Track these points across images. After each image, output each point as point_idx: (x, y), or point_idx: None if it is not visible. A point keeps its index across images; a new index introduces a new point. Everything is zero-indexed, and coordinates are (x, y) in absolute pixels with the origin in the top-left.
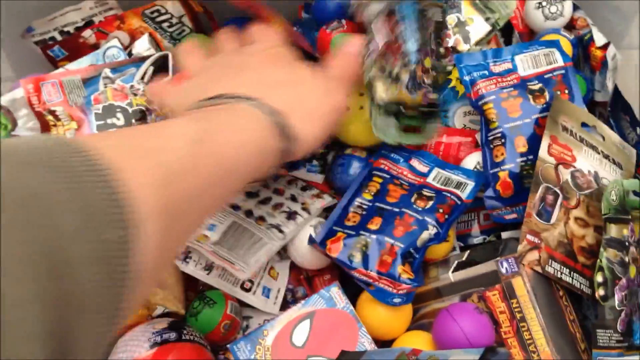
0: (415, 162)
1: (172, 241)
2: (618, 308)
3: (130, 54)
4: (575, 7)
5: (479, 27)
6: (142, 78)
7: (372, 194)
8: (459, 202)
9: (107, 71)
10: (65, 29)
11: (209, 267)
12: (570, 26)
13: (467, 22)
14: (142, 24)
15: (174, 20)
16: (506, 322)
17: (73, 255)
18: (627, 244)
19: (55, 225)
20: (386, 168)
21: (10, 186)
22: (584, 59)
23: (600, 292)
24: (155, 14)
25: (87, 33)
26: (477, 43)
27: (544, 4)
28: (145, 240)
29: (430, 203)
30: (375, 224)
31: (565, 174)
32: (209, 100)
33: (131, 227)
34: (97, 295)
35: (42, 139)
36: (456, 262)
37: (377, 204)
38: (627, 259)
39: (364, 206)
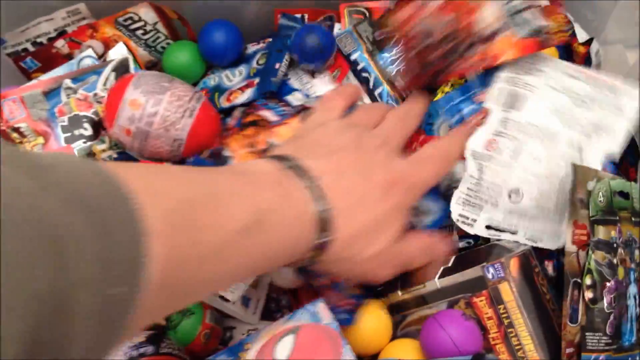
0: None
1: (171, 306)
2: (607, 311)
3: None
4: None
5: None
6: (105, 84)
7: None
8: None
9: (67, 82)
10: (38, 40)
11: None
12: None
13: None
14: (116, 32)
15: (148, 28)
16: (494, 328)
17: (74, 303)
18: (615, 245)
19: (67, 269)
20: None
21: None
22: (567, 55)
23: (589, 294)
24: (129, 22)
25: (60, 43)
26: None
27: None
28: (145, 302)
29: None
30: None
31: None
32: (276, 159)
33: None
34: (86, 342)
35: (88, 172)
36: (442, 268)
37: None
38: (615, 261)
39: None
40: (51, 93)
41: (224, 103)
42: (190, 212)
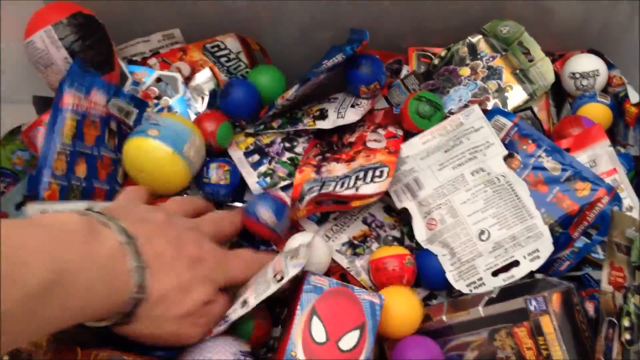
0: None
1: None
2: None
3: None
4: (611, 66)
5: (517, 95)
6: None
7: (71, 133)
8: None
9: None
10: (134, 58)
11: None
12: (606, 84)
13: (507, 89)
14: (203, 57)
15: (232, 56)
16: (532, 359)
17: None
18: None
19: None
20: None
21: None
22: (619, 115)
23: (626, 336)
24: (215, 49)
25: (152, 61)
26: (515, 109)
27: (577, 76)
28: None
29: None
30: (81, 169)
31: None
32: (88, 214)
33: None
34: None
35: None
36: (487, 297)
37: (77, 148)
38: None
39: (67, 151)
40: None
41: (278, 100)
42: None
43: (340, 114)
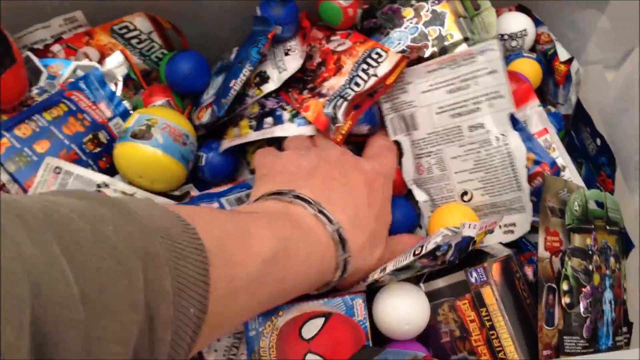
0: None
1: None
2: (583, 315)
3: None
4: (539, 23)
5: (456, 45)
6: None
7: (54, 115)
8: None
9: None
10: (35, 46)
11: None
12: (534, 42)
13: (447, 38)
14: (111, 40)
15: (143, 37)
16: (476, 331)
17: (156, 313)
18: (590, 252)
19: (153, 283)
20: (76, 100)
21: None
22: (548, 73)
23: (566, 300)
24: (124, 30)
25: (56, 48)
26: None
27: (505, 37)
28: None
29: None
30: (42, 146)
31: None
32: (276, 195)
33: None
34: (165, 347)
35: (157, 209)
36: (426, 273)
37: (51, 125)
38: (591, 267)
39: (39, 123)
40: None
41: (195, 120)
42: (227, 247)
43: (280, 68)
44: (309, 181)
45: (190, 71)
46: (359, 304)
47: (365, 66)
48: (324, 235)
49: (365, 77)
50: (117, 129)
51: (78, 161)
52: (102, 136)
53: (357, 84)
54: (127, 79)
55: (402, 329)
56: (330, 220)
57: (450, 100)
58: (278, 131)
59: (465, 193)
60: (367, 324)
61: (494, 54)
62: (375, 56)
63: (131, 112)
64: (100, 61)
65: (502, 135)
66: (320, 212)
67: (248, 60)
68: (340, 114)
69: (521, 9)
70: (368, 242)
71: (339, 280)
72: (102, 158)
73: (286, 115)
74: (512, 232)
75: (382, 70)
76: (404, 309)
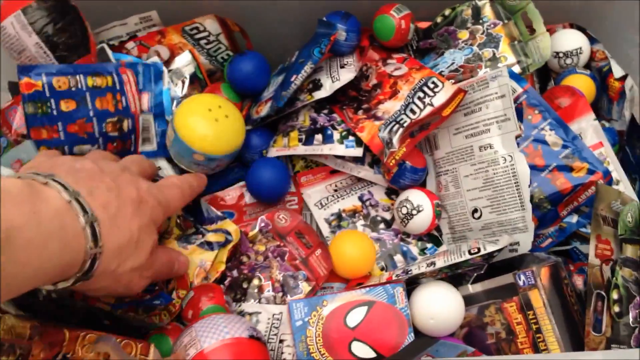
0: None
1: None
2: (632, 325)
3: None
4: (594, 41)
5: (509, 67)
6: None
7: (96, 84)
8: None
9: None
10: (111, 42)
11: None
12: (589, 59)
13: (500, 60)
14: (182, 39)
15: (212, 38)
16: (522, 333)
17: None
18: None
19: None
20: (125, 79)
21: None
22: (603, 90)
23: (616, 309)
24: (194, 31)
25: (130, 45)
26: None
27: (560, 55)
28: None
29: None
30: (67, 106)
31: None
32: (33, 175)
33: None
34: None
35: None
36: (475, 274)
37: (88, 92)
38: None
39: (79, 85)
40: None
41: (254, 114)
42: None
43: (334, 77)
44: (75, 175)
45: (252, 71)
46: (400, 292)
47: (421, 94)
48: (72, 224)
49: (421, 105)
50: (144, 124)
51: (90, 134)
52: (126, 124)
53: (412, 111)
54: (193, 78)
55: (427, 323)
56: (85, 211)
57: (465, 122)
58: (326, 150)
59: (475, 210)
60: (409, 311)
61: (503, 79)
62: (431, 85)
63: (168, 119)
64: (170, 59)
65: (509, 156)
66: (77, 200)
67: (310, 59)
68: (395, 140)
69: (575, 27)
70: (127, 247)
71: (85, 276)
72: (114, 143)
73: (336, 135)
74: (516, 250)
75: (438, 100)
76: (430, 304)
